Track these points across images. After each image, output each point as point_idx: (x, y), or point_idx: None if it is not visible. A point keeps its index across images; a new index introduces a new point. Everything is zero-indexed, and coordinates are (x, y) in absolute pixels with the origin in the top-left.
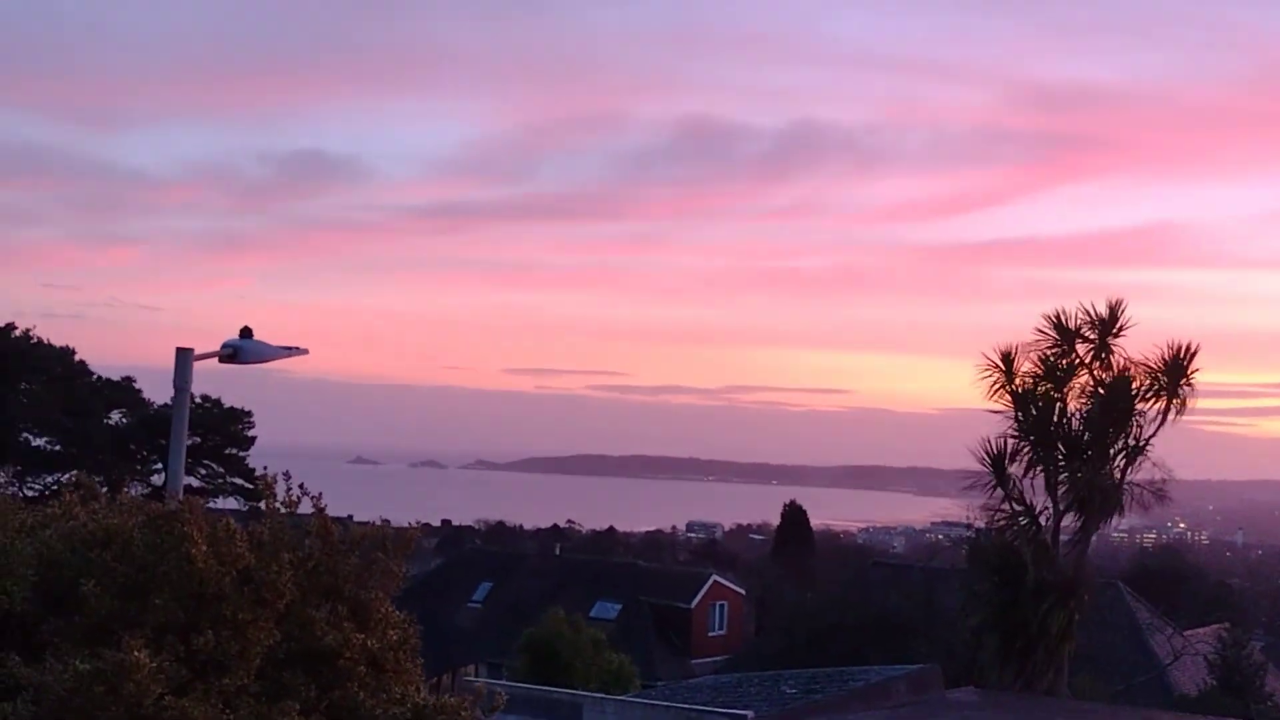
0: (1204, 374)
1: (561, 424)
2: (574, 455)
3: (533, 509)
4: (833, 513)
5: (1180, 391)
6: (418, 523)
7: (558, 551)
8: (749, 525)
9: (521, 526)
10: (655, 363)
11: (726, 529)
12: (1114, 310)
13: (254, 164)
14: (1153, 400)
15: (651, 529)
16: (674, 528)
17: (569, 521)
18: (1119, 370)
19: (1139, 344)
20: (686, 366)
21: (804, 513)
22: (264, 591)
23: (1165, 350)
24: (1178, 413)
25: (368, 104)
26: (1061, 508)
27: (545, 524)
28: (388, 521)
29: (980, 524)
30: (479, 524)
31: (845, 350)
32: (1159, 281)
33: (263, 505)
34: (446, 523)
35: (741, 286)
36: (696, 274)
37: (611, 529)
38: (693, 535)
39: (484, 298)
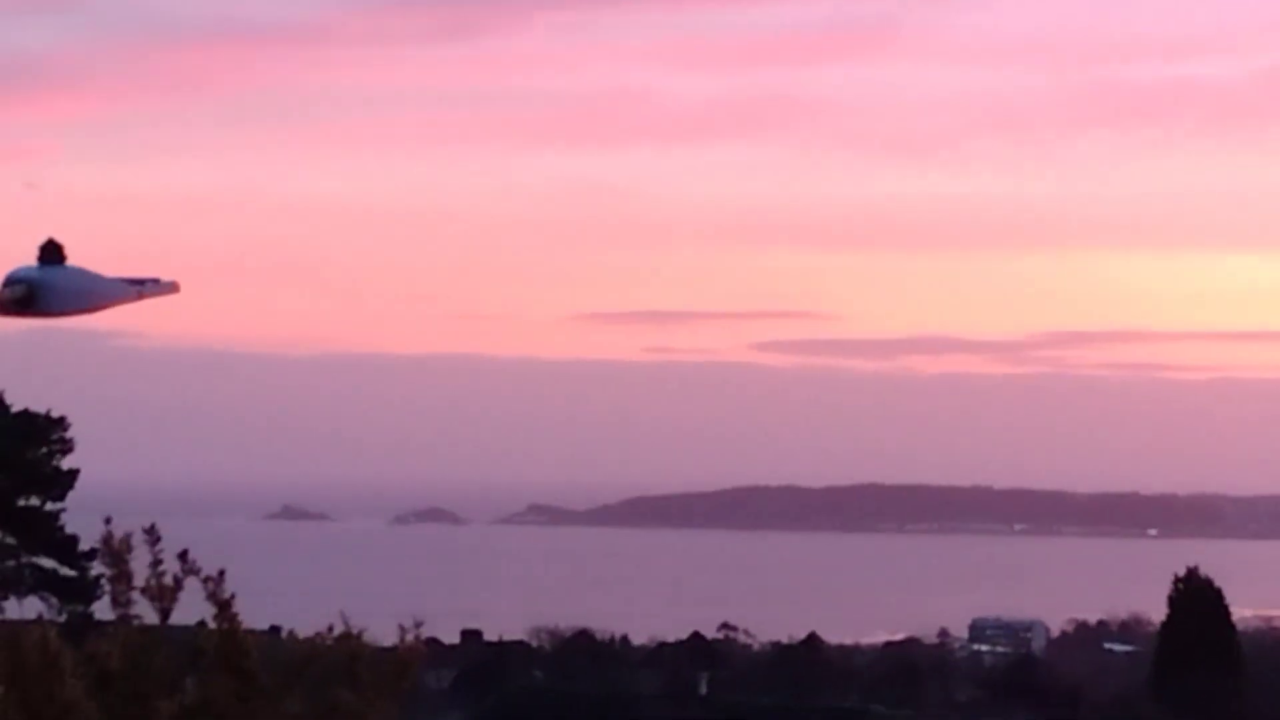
0: None
1: (698, 424)
2: (722, 489)
3: (645, 600)
4: (1276, 592)
5: None
6: (417, 631)
7: (703, 690)
8: (1101, 622)
9: (626, 638)
10: (878, 291)
11: (1054, 631)
12: None
13: None
14: None
15: (898, 637)
16: (945, 631)
17: (723, 627)
18: None
19: None
20: (952, 300)
21: (1218, 594)
22: None
23: None
24: None
25: None
26: None
27: (674, 630)
28: (358, 633)
29: None
30: (539, 635)
31: None
32: None
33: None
34: (472, 634)
35: (1047, 125)
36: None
37: (813, 638)
38: (984, 648)
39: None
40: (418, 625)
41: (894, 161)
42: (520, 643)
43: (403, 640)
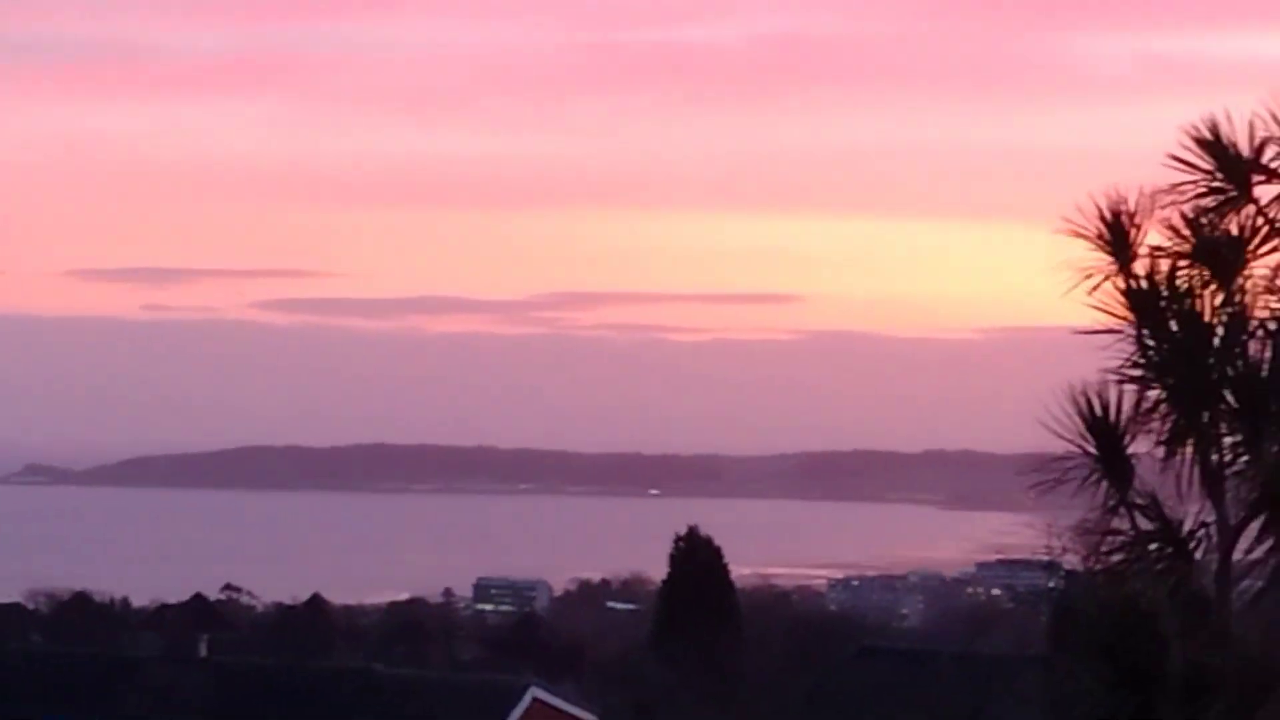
0: None
1: (198, 384)
2: (225, 449)
3: (146, 562)
4: (773, 551)
5: None
6: None
7: (203, 651)
8: (604, 581)
9: (126, 601)
10: (382, 250)
11: (557, 590)
12: None
13: None
14: None
15: (403, 597)
16: (449, 591)
17: (226, 588)
18: None
19: None
20: (458, 259)
21: (717, 552)
22: None
23: None
24: None
25: None
26: (1235, 521)
27: (176, 592)
28: None
29: (1073, 562)
30: (35, 598)
31: (786, 212)
32: None
33: None
34: None
35: (553, 86)
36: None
37: (317, 599)
38: (488, 607)
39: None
40: None
41: (398, 119)
42: (16, 606)
43: None
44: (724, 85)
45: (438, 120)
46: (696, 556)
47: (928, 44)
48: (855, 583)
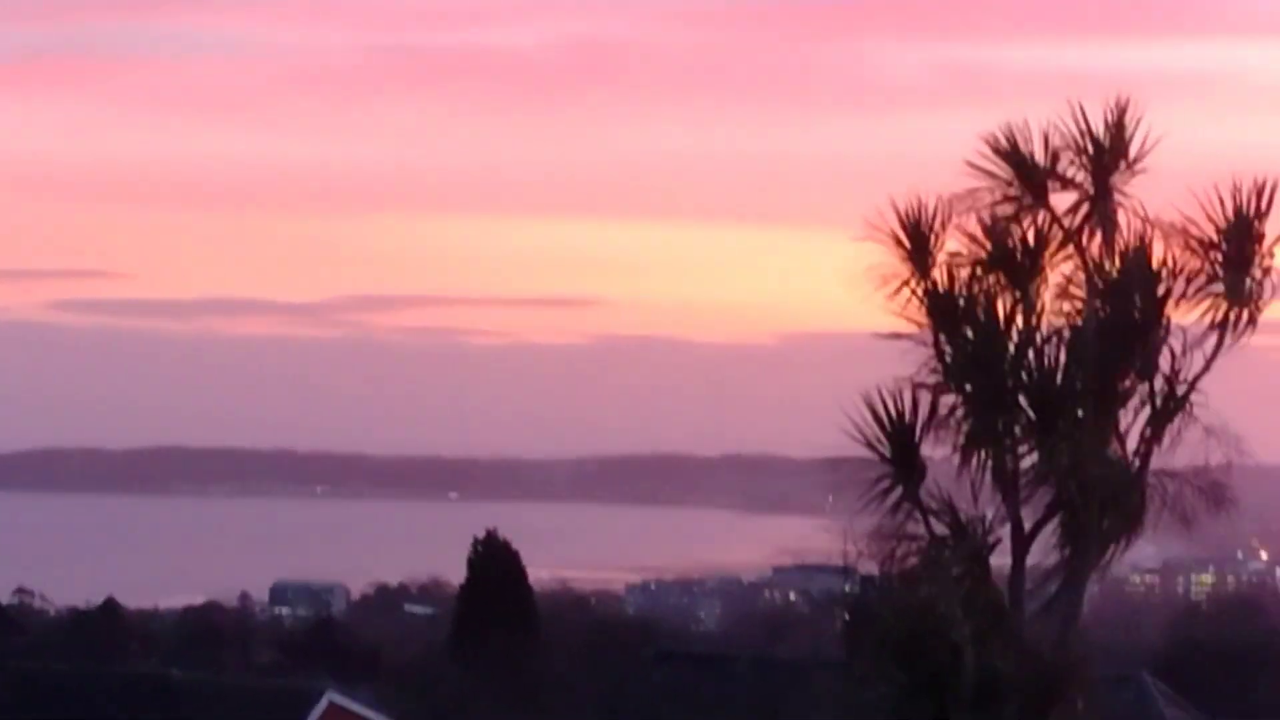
0: None
1: None
2: (18, 451)
3: None
4: (572, 553)
5: (1253, 284)
6: None
7: None
8: (402, 585)
9: None
10: (178, 251)
11: (355, 594)
12: (1122, 117)
13: None
14: (1200, 302)
15: (199, 601)
16: (246, 595)
17: (19, 592)
18: (1133, 244)
19: (1169, 187)
20: (256, 262)
21: (515, 556)
22: None
23: (1220, 198)
24: (1248, 326)
25: None
26: (1029, 526)
27: None
28: None
29: (869, 567)
30: None
31: (585, 217)
32: (1203, 62)
33: None
34: None
35: (352, 89)
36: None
37: (111, 603)
38: (285, 611)
39: None
40: None
41: (195, 121)
42: None
43: None
44: (523, 89)
45: (236, 122)
46: (495, 560)
47: (728, 51)
48: (653, 587)
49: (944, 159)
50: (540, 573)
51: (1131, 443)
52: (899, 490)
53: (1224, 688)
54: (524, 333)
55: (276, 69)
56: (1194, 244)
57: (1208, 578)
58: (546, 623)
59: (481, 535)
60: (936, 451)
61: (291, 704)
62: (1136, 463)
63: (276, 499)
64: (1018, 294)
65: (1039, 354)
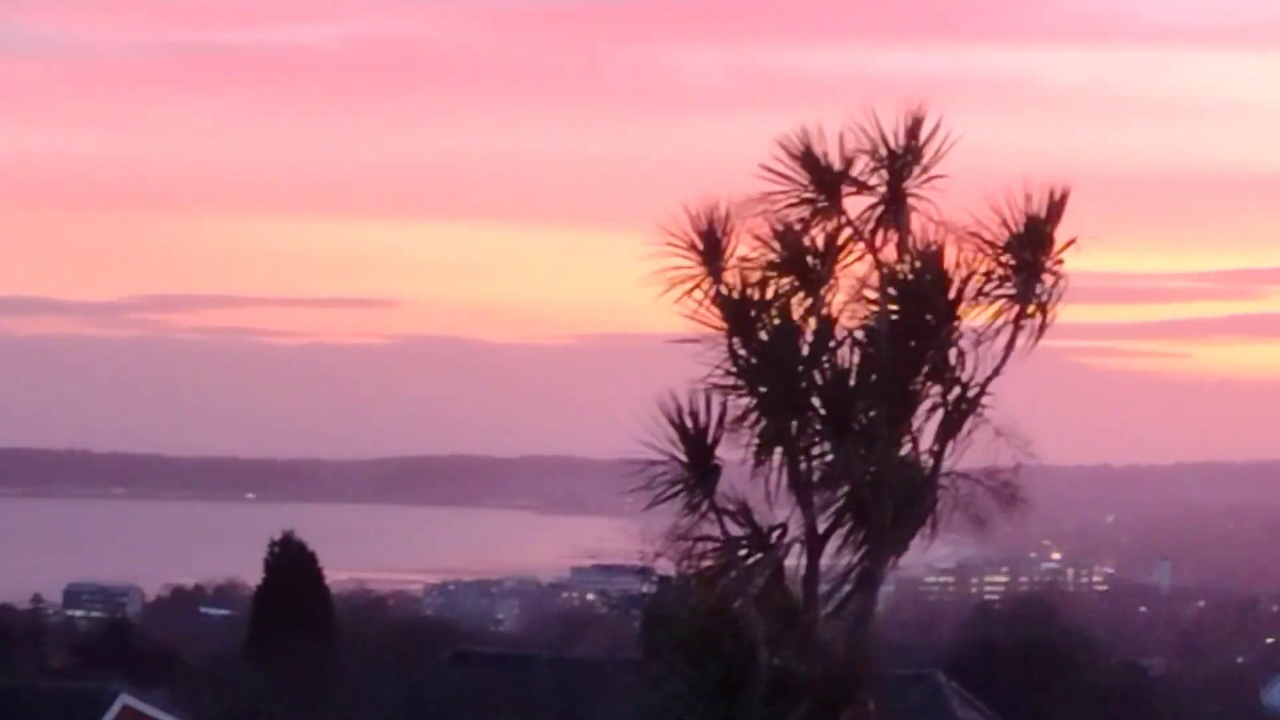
0: (1090, 252)
1: None
2: None
3: None
4: (370, 555)
5: (1043, 288)
6: None
7: None
8: (198, 587)
9: None
10: None
11: (150, 596)
12: (917, 121)
13: None
14: (992, 305)
15: None
16: (39, 597)
17: None
18: (926, 247)
19: (963, 191)
20: (46, 261)
21: (312, 558)
22: None
23: (1013, 203)
24: (1039, 330)
25: None
26: (823, 527)
27: None
28: None
29: (666, 568)
30: None
31: (383, 217)
32: (1000, 68)
33: None
34: None
35: (149, 87)
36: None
37: None
38: (78, 613)
39: None
40: None
41: None
42: None
43: None
44: (322, 89)
45: (24, 119)
46: (292, 562)
47: (527, 53)
48: (451, 588)
49: (741, 162)
50: (338, 574)
51: (924, 444)
52: (695, 492)
53: (1016, 686)
54: (322, 333)
55: (72, 66)
56: (986, 247)
57: (1001, 578)
58: (344, 625)
59: (279, 537)
60: (732, 454)
61: (86, 706)
62: (929, 464)
63: (70, 500)
64: (810, 297)
65: (832, 356)
